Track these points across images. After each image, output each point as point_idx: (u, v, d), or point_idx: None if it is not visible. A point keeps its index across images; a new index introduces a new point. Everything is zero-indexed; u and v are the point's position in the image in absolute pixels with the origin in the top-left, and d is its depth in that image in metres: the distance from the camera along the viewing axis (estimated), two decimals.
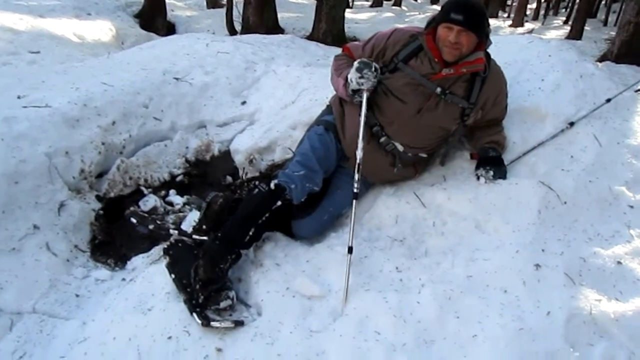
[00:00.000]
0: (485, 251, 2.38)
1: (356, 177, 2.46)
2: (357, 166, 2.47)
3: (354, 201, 2.42)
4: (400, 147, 2.70)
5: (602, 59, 7.83)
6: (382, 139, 2.69)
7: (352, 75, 2.52)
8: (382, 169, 2.75)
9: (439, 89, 2.54)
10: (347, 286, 2.23)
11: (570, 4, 24.66)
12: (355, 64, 2.52)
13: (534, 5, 25.97)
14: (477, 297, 2.16)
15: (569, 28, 16.31)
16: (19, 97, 3.69)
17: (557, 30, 18.55)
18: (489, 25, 2.55)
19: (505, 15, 25.16)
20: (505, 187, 2.62)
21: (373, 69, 2.50)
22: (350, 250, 2.30)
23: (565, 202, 2.57)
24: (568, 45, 3.62)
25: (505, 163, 2.74)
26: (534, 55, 3.40)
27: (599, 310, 2.05)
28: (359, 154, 2.47)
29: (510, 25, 19.47)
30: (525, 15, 21.74)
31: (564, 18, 23.33)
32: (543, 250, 2.33)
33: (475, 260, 2.34)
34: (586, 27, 15.81)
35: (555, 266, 2.25)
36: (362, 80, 2.50)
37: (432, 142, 2.77)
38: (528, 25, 19.94)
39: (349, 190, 2.55)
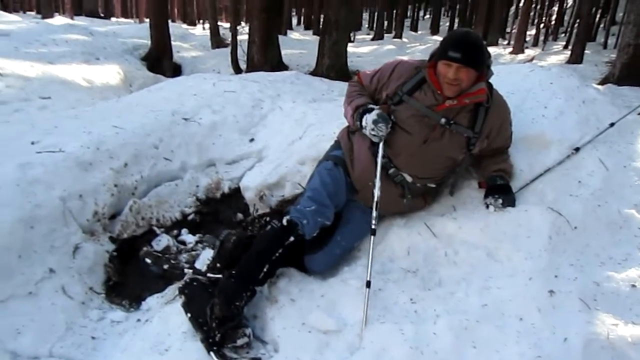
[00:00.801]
0: (499, 279, 2.39)
1: (374, 214, 2.53)
2: (375, 204, 2.54)
3: (372, 237, 2.48)
4: (409, 178, 2.73)
5: (603, 81, 7.91)
6: (391, 171, 2.72)
7: (368, 123, 2.61)
8: (392, 201, 2.78)
9: (443, 120, 2.58)
10: (364, 319, 2.25)
11: (569, 29, 24.93)
12: (374, 115, 2.60)
13: (533, 32, 26.27)
14: (493, 326, 2.16)
15: (569, 52, 16.47)
16: (32, 143, 3.77)
17: (558, 55, 18.72)
18: (489, 56, 2.60)
19: (505, 42, 25.42)
20: (515, 215, 2.64)
21: (388, 124, 2.60)
22: (368, 284, 2.33)
23: (575, 227, 2.58)
24: (569, 72, 3.67)
25: (514, 190, 2.76)
26: (536, 84, 3.46)
27: (617, 334, 2.04)
28: (377, 193, 2.55)
29: (511, 53, 19.68)
30: (525, 41, 21.96)
31: (564, 43, 23.54)
32: (556, 276, 2.34)
33: (489, 289, 2.35)
34: (586, 51, 15.97)
35: (569, 292, 2.25)
36: (374, 132, 2.60)
37: (440, 172, 2.79)
38: (528, 52, 20.13)
39: (360, 223, 2.59)
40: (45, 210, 3.16)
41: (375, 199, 2.55)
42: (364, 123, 2.64)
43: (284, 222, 2.55)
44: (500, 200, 2.68)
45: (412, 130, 2.64)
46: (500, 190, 2.72)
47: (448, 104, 2.55)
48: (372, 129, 2.59)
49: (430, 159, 2.69)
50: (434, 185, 2.85)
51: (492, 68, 2.71)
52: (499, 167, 2.79)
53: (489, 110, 2.64)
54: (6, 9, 17.87)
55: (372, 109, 2.66)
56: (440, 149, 2.65)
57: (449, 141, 2.63)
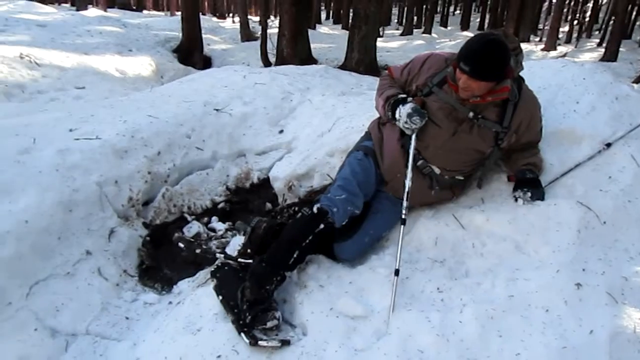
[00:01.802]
0: (526, 271, 2.41)
1: (404, 204, 2.57)
2: (405, 195, 2.59)
3: (402, 227, 2.53)
4: (437, 170, 2.76)
5: (638, 80, 7.76)
6: (419, 163, 2.75)
7: (402, 115, 2.61)
8: (421, 192, 2.80)
9: (471, 114, 2.59)
10: (392, 306, 2.30)
11: (603, 26, 24.43)
12: (409, 108, 2.60)
13: (566, 29, 25.79)
14: (519, 316, 2.18)
15: (603, 50, 16.16)
16: (70, 130, 3.89)
17: (591, 52, 18.38)
18: (520, 51, 2.63)
19: (537, 39, 25.02)
20: (544, 208, 2.64)
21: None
22: (397, 272, 2.38)
23: (604, 222, 2.57)
24: (602, 68, 3.62)
25: (543, 184, 2.76)
26: (568, 79, 3.43)
27: None
28: (408, 183, 2.60)
29: (543, 49, 19.39)
30: (558, 38, 21.60)
31: (598, 40, 23.10)
32: (584, 270, 2.34)
33: (515, 281, 2.37)
34: (621, 49, 15.65)
35: (596, 285, 2.26)
36: (407, 125, 2.62)
37: (468, 165, 2.81)
38: (561, 49, 19.80)
39: (389, 213, 2.64)
40: (83, 195, 3.28)
41: (407, 189, 2.59)
42: (397, 115, 2.65)
43: (315, 210, 2.60)
44: (529, 194, 2.68)
45: (441, 123, 2.65)
46: (530, 184, 2.72)
47: (472, 101, 2.55)
48: (406, 122, 2.60)
49: (458, 152, 2.71)
50: (462, 178, 2.87)
51: (524, 63, 2.72)
52: (528, 161, 2.79)
53: (518, 105, 2.63)
54: (43, 1, 18.27)
55: (406, 101, 2.67)
56: (469, 142, 2.66)
57: (477, 135, 2.63)
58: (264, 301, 2.40)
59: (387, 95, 2.78)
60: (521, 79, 2.71)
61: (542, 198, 2.70)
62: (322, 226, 2.59)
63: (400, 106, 2.65)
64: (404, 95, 2.74)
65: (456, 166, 2.78)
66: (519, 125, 2.66)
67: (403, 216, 2.55)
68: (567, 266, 2.35)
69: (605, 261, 2.42)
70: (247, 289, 2.41)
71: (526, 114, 2.67)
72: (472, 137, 2.64)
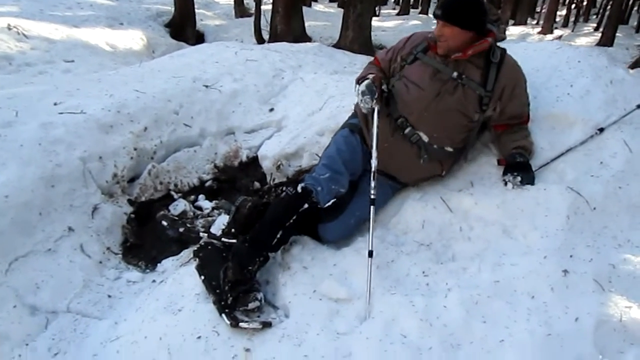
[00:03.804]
0: (513, 256, 2.38)
1: (372, 184, 2.53)
2: (372, 174, 2.55)
3: (372, 207, 2.49)
4: (425, 138, 2.72)
5: (634, 65, 7.73)
6: (407, 130, 2.72)
7: (358, 94, 2.67)
8: (409, 162, 2.76)
9: (455, 74, 2.60)
10: (369, 289, 2.26)
11: (601, 11, 24.31)
12: (363, 86, 2.65)
13: (563, 12, 25.65)
14: (504, 302, 2.16)
15: (599, 35, 16.09)
16: (55, 104, 3.80)
17: (588, 37, 18.30)
18: (491, 15, 2.62)
19: (534, 22, 24.88)
20: (533, 193, 2.60)
21: (374, 96, 2.61)
22: (370, 254, 2.33)
23: (594, 208, 2.54)
24: (598, 51, 3.56)
25: (534, 169, 2.72)
26: (563, 61, 3.37)
27: (630, 317, 2.03)
28: (374, 162, 2.56)
29: (539, 32, 19.29)
30: (555, 22, 21.49)
31: (595, 25, 23.00)
32: (571, 256, 2.31)
33: (502, 266, 2.34)
34: (618, 34, 15.58)
35: (584, 272, 2.23)
36: (362, 104, 2.65)
37: (455, 132, 2.75)
38: (557, 32, 19.70)
39: (378, 192, 2.58)
40: (65, 170, 3.21)
41: (373, 168, 2.55)
42: (355, 94, 2.72)
43: (299, 189, 2.57)
44: (519, 178, 2.63)
45: (424, 85, 2.66)
46: (520, 168, 2.68)
47: (453, 56, 2.58)
48: (360, 100, 2.64)
49: (443, 115, 2.67)
50: (450, 150, 2.80)
51: (520, 44, 2.69)
52: (518, 144, 2.74)
53: (501, 69, 2.63)
54: None
55: (366, 80, 2.71)
56: (453, 102, 2.64)
57: (461, 96, 2.62)
58: (246, 282, 2.37)
59: (357, 77, 2.84)
60: (504, 50, 2.71)
61: (532, 182, 2.65)
62: (306, 206, 2.55)
63: (357, 85, 2.72)
64: (371, 76, 2.74)
65: (443, 132, 2.72)
66: (502, 90, 2.64)
67: (372, 196, 2.51)
68: (555, 252, 2.33)
69: (593, 248, 2.39)
70: (229, 270, 2.37)
71: (509, 80, 2.65)
72: (456, 98, 2.62)
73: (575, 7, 27.89)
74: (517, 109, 2.74)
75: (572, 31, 22.06)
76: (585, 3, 28.43)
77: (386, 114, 2.74)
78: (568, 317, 2.06)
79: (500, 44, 2.76)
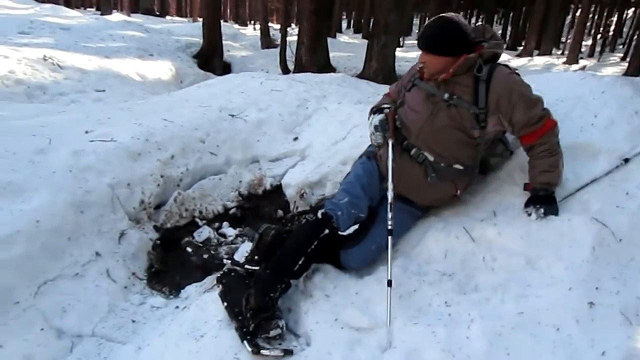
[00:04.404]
0: (537, 288, 2.34)
1: (389, 214, 2.57)
2: (389, 205, 2.59)
3: (389, 237, 2.54)
4: (430, 157, 2.74)
5: None
6: (413, 152, 2.76)
7: (370, 126, 2.85)
8: (418, 181, 2.78)
9: (446, 95, 2.64)
10: (389, 318, 2.26)
11: (628, 40, 24.12)
12: (376, 120, 2.81)
13: (589, 42, 25.52)
14: (528, 334, 2.12)
15: (626, 64, 15.94)
16: (86, 132, 3.93)
17: (614, 67, 18.15)
18: (463, 38, 2.61)
19: (560, 52, 24.78)
20: (557, 224, 2.57)
21: (385, 133, 2.77)
22: (389, 283, 2.35)
23: (620, 240, 2.50)
24: (622, 82, 3.54)
25: (558, 200, 2.68)
26: (586, 92, 3.35)
27: None
28: (390, 194, 2.61)
29: (565, 63, 19.19)
30: (580, 52, 21.37)
31: (622, 54, 22.79)
32: (597, 289, 2.27)
33: (526, 297, 2.30)
34: None
35: (610, 305, 2.19)
36: (372, 138, 2.84)
37: (458, 149, 2.73)
38: (583, 62, 19.58)
39: (397, 219, 2.60)
40: (95, 196, 3.30)
41: (390, 200, 2.60)
42: (368, 122, 2.87)
43: (319, 215, 2.61)
44: (542, 210, 2.61)
45: (419, 108, 2.75)
46: (543, 201, 2.65)
47: (440, 78, 2.64)
48: (372, 134, 2.83)
49: (439, 132, 2.68)
50: (460, 167, 2.78)
51: (544, 75, 2.68)
52: (543, 179, 2.68)
53: (490, 83, 2.59)
54: (68, 5, 18.64)
55: (382, 111, 2.85)
56: (447, 120, 2.65)
57: (455, 114, 2.63)
58: (268, 309, 2.38)
59: (371, 107, 3.00)
60: (495, 64, 2.68)
61: (555, 214, 2.63)
62: (326, 231, 2.60)
63: (373, 115, 2.89)
64: (386, 106, 2.92)
65: (445, 150, 2.72)
66: (497, 103, 2.59)
67: (389, 227, 2.55)
68: (580, 284, 2.28)
69: (620, 280, 2.34)
70: (251, 296, 2.39)
71: (502, 91, 2.58)
72: (450, 115, 2.64)
73: (601, 37, 27.78)
74: (523, 116, 2.62)
75: (598, 61, 21.92)
76: (611, 33, 28.26)
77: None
78: (594, 351, 2.02)
79: (525, 73, 2.76)
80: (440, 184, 2.80)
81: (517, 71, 2.73)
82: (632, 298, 2.24)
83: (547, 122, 2.64)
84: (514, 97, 2.58)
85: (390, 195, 2.60)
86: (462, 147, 2.73)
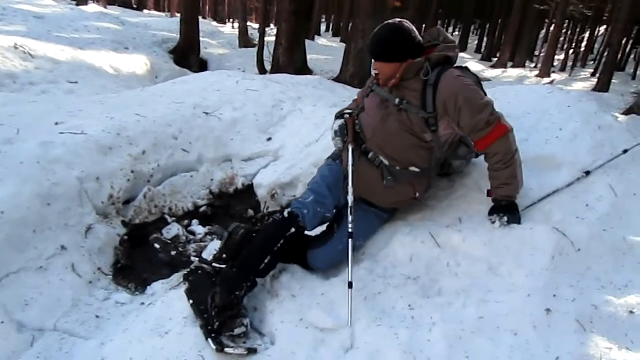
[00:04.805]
0: (498, 294, 2.40)
1: (350, 218, 2.60)
2: (349, 209, 2.63)
3: (350, 240, 2.56)
4: (386, 161, 2.80)
5: (628, 112, 7.83)
6: (370, 155, 2.82)
7: (332, 131, 2.94)
8: (374, 184, 2.83)
9: (397, 100, 2.70)
10: (350, 320, 2.31)
11: (598, 57, 24.76)
12: (336, 126, 2.91)
13: (562, 57, 26.11)
14: (487, 339, 2.18)
15: (596, 80, 16.37)
16: (56, 124, 3.88)
17: (584, 82, 18.60)
18: (409, 43, 2.64)
19: (533, 65, 25.30)
20: (520, 232, 2.65)
21: (344, 138, 2.86)
22: (350, 285, 2.38)
23: (579, 250, 2.58)
24: (588, 97, 3.66)
25: (521, 209, 2.76)
26: (554, 105, 3.46)
27: (609, 358, 2.05)
28: (350, 198, 2.66)
29: (537, 76, 19.61)
30: (553, 66, 21.85)
31: (592, 70, 23.37)
32: (555, 296, 2.35)
33: (487, 302, 2.37)
34: (614, 80, 15.85)
35: (566, 312, 2.26)
36: (333, 142, 2.93)
37: (411, 152, 2.76)
38: (555, 76, 20.04)
39: (361, 221, 2.66)
40: (62, 189, 3.26)
41: (350, 203, 2.64)
42: (331, 127, 2.95)
43: (285, 214, 2.66)
44: (506, 219, 2.69)
45: (373, 112, 2.81)
46: (506, 210, 2.72)
47: (391, 84, 2.71)
48: (333, 139, 2.92)
49: (390, 136, 2.74)
50: (417, 170, 2.81)
51: (514, 87, 2.74)
52: (504, 193, 2.72)
53: (438, 87, 2.61)
54: None
55: (343, 116, 2.94)
56: (397, 124, 2.71)
57: (406, 118, 2.68)
58: (234, 307, 2.39)
59: (337, 112, 3.06)
60: (444, 67, 2.67)
61: (518, 222, 2.70)
62: (293, 230, 2.62)
63: (335, 120, 2.97)
64: (348, 111, 2.99)
65: (399, 153, 2.77)
66: (445, 106, 2.60)
67: (349, 230, 2.58)
68: (539, 291, 2.36)
69: (577, 288, 2.42)
70: (217, 295, 2.40)
71: (449, 94, 2.58)
72: (400, 120, 2.70)
73: (573, 53, 28.44)
74: (470, 120, 2.61)
75: (570, 76, 22.43)
76: (583, 49, 28.97)
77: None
78: (549, 356, 2.08)
79: (499, 84, 2.83)
80: (398, 187, 2.83)
81: (475, 74, 2.79)
82: (587, 306, 2.32)
83: (497, 127, 2.60)
84: (459, 101, 2.58)
85: (350, 199, 2.65)
86: (415, 150, 2.77)
